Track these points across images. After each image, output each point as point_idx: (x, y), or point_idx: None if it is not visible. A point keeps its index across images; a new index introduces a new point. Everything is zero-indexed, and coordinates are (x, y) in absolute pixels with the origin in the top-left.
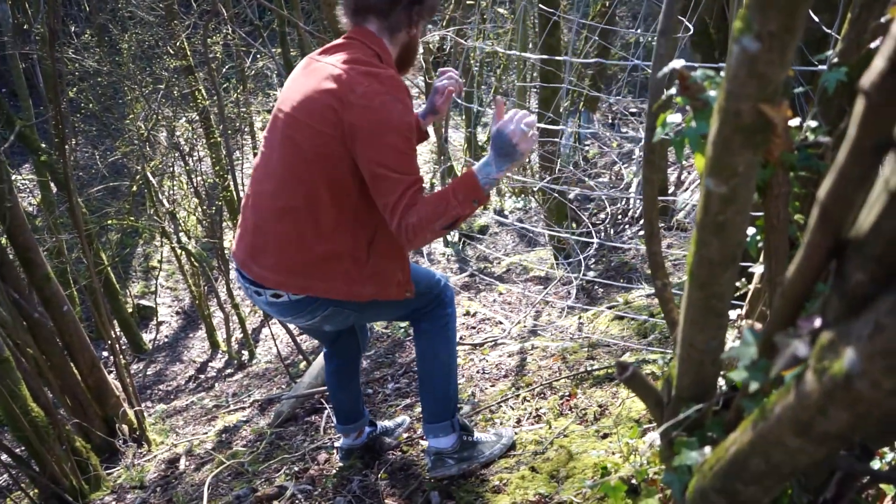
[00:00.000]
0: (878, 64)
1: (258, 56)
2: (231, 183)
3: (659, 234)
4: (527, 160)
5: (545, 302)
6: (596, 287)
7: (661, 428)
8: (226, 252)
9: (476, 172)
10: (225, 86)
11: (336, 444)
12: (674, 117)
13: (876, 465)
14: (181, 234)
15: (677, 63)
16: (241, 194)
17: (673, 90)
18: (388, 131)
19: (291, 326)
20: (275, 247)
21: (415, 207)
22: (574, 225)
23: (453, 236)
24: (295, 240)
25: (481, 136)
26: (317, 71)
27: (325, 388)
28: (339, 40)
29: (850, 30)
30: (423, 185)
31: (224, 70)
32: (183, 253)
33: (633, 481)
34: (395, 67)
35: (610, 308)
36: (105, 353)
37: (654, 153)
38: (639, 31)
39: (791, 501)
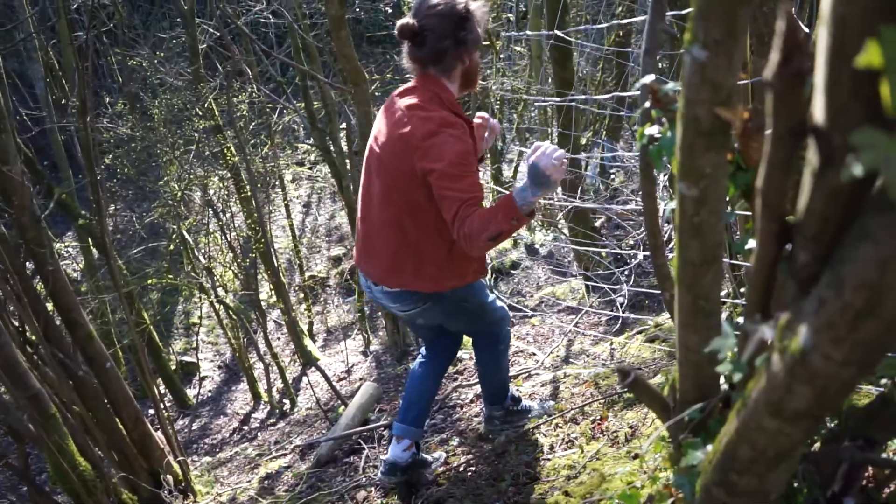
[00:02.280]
0: (774, 57)
1: (284, 111)
2: (263, 236)
3: (663, 246)
4: (558, 189)
5: (578, 331)
6: (626, 313)
7: (660, 429)
8: (262, 303)
9: (514, 196)
10: (253, 142)
11: (382, 458)
12: (651, 129)
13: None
14: (219, 288)
15: (647, 78)
16: (275, 247)
17: (647, 104)
18: (443, 161)
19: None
20: (378, 252)
21: (468, 219)
22: (602, 255)
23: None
24: (392, 248)
25: (507, 172)
26: (393, 114)
27: (363, 428)
28: (410, 84)
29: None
30: (480, 202)
31: (251, 126)
32: (221, 307)
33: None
34: (453, 103)
35: (641, 332)
36: (150, 411)
37: (650, 166)
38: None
39: (805, 499)
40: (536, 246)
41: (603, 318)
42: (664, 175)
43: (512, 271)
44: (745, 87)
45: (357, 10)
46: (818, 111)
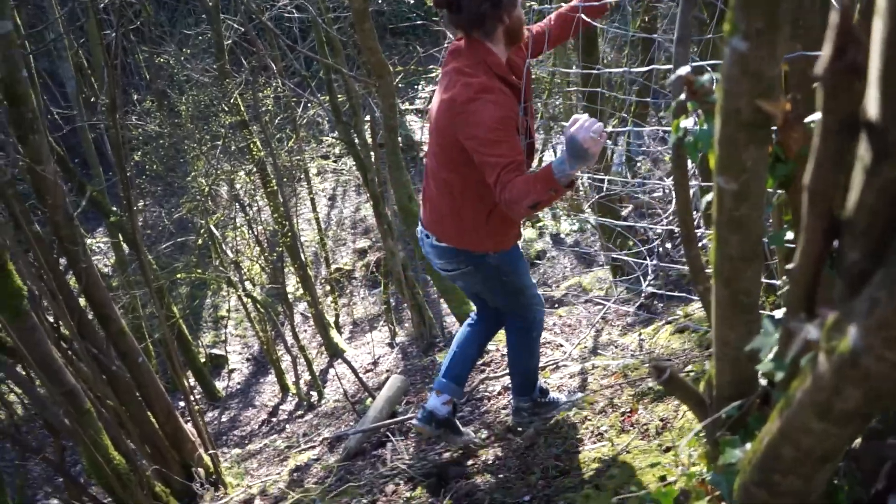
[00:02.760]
0: (826, 51)
1: (308, 105)
2: (290, 229)
3: (696, 238)
4: (596, 163)
5: (605, 321)
6: (655, 302)
7: (698, 427)
8: (289, 296)
9: (553, 168)
10: (278, 136)
11: (422, 404)
12: (687, 122)
13: None
14: (246, 282)
15: (683, 69)
16: (301, 240)
17: (683, 95)
18: (481, 127)
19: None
20: (432, 206)
21: (510, 184)
22: (630, 243)
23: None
24: (442, 204)
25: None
26: (445, 77)
27: (391, 420)
28: (455, 45)
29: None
30: (521, 165)
31: (277, 121)
32: (249, 301)
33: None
34: (499, 66)
35: (670, 322)
36: (181, 403)
37: (684, 157)
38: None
39: (847, 497)
40: (562, 235)
41: (631, 307)
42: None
43: (537, 261)
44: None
45: (380, 1)
46: (871, 105)
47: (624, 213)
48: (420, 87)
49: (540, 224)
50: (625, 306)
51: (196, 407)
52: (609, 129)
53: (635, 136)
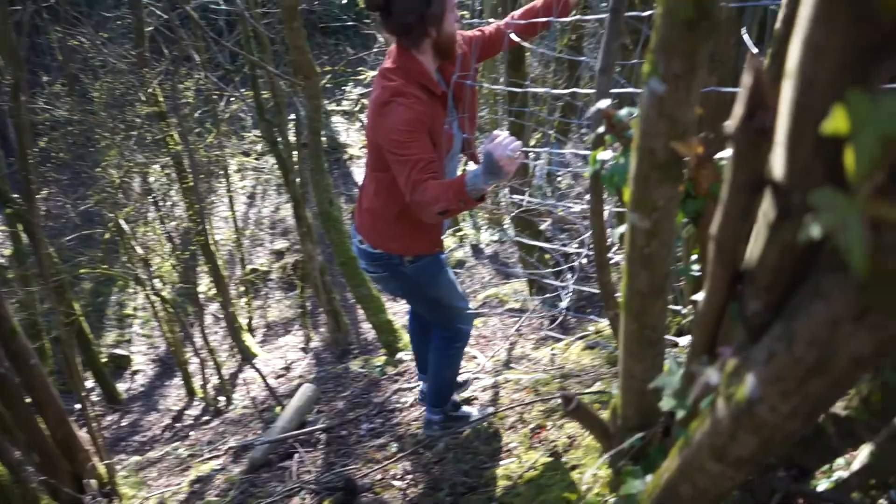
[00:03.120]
0: (738, 110)
1: (231, 100)
2: (203, 228)
3: (609, 265)
4: (509, 180)
5: (520, 334)
6: (569, 318)
7: (602, 459)
8: (200, 296)
9: (466, 180)
10: (197, 130)
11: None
12: (604, 154)
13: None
14: (155, 280)
15: (603, 103)
16: (216, 238)
17: (602, 128)
18: (391, 128)
19: None
20: (358, 206)
21: (421, 186)
22: (547, 256)
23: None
24: (363, 203)
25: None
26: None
27: (299, 431)
28: (391, 47)
29: (772, 63)
30: (431, 165)
31: (197, 114)
32: (157, 299)
33: None
34: (422, 75)
35: (581, 338)
36: (78, 405)
37: (600, 185)
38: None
39: None
40: (482, 245)
41: (545, 320)
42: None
43: (457, 270)
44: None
45: (314, 2)
46: (778, 167)
47: (543, 226)
48: (348, 89)
49: (461, 233)
50: (539, 320)
51: (93, 413)
52: (532, 143)
53: (557, 150)
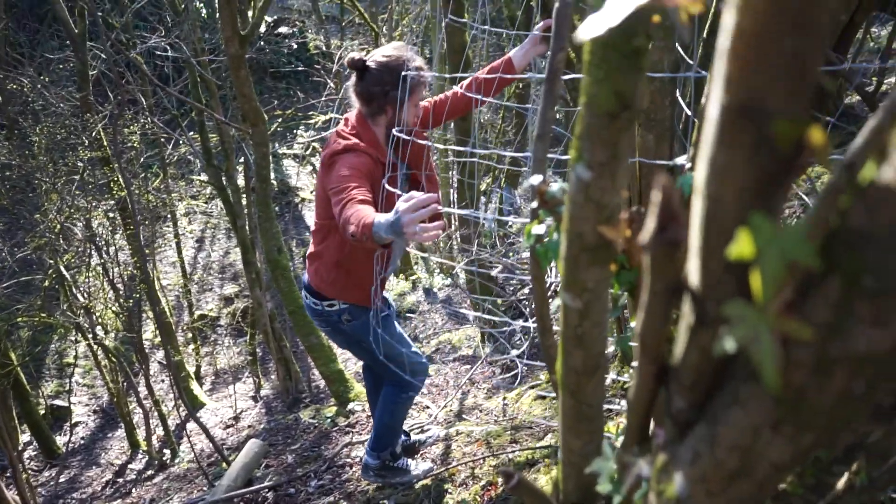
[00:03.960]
0: (650, 224)
1: (180, 143)
2: (145, 276)
3: (551, 329)
4: (427, 242)
5: (472, 383)
6: (520, 366)
7: None
8: (146, 344)
9: (374, 222)
10: (143, 175)
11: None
12: (538, 228)
13: None
14: (97, 328)
15: (535, 179)
16: (163, 283)
17: (535, 203)
18: (337, 171)
19: None
20: (308, 257)
21: (349, 204)
22: (498, 303)
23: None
24: (311, 252)
25: None
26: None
27: (245, 490)
28: (353, 111)
29: (700, 137)
30: (363, 197)
31: (143, 158)
32: (99, 348)
33: None
34: (372, 143)
35: (533, 387)
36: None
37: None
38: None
39: None
40: (435, 290)
41: (497, 368)
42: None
43: (409, 314)
44: (633, 166)
45: (264, 48)
46: (693, 275)
47: (494, 272)
48: (299, 132)
49: (414, 277)
50: (490, 368)
51: (27, 470)
52: (482, 187)
53: (507, 193)
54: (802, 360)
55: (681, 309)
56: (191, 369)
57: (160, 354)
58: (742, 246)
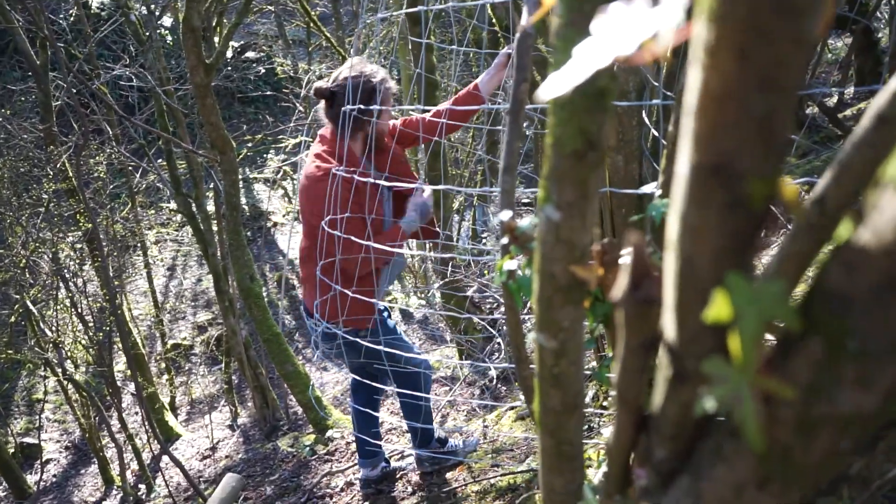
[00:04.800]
0: (623, 280)
1: (148, 171)
2: (114, 308)
3: (527, 359)
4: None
5: (451, 405)
6: (499, 386)
7: None
8: (118, 377)
9: (404, 230)
10: (110, 206)
11: (357, 476)
12: (510, 264)
13: None
14: (67, 362)
15: (505, 215)
16: (134, 314)
17: (505, 239)
18: (305, 196)
19: None
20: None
21: (378, 238)
22: (474, 321)
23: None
24: (304, 274)
25: None
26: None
27: None
28: (325, 131)
29: (668, 165)
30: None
31: (110, 188)
32: (70, 383)
33: None
34: (352, 159)
35: (513, 408)
36: None
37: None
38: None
39: None
40: (411, 310)
41: (476, 388)
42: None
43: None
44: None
45: (231, 73)
46: (669, 331)
47: (470, 292)
48: (270, 156)
49: (390, 298)
50: (469, 390)
51: None
52: (455, 206)
53: (480, 212)
54: (786, 420)
55: (658, 360)
56: (165, 400)
57: (133, 386)
58: (719, 308)
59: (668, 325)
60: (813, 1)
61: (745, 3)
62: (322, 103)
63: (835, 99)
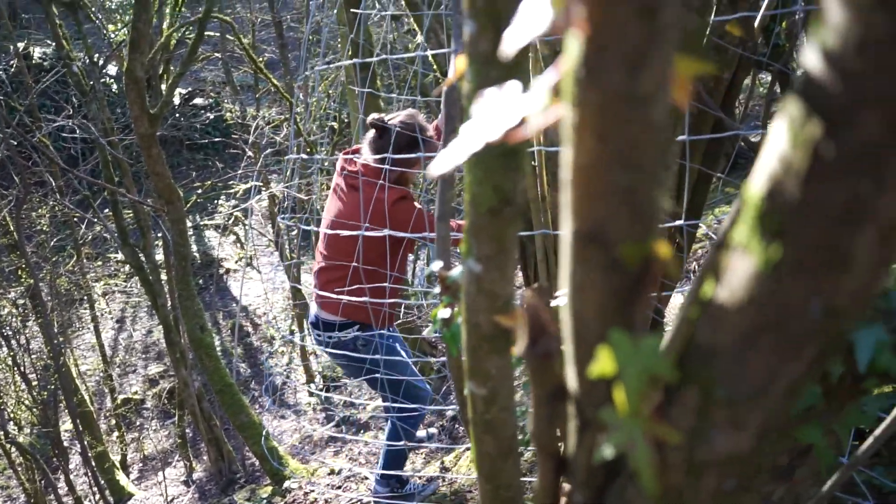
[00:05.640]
0: (521, 340)
1: (94, 221)
2: (57, 367)
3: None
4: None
5: (409, 447)
6: (457, 426)
7: None
8: (65, 436)
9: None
10: (54, 259)
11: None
12: (444, 313)
13: None
14: (9, 425)
15: (437, 265)
16: (83, 369)
17: (437, 290)
18: (410, 220)
19: None
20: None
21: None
22: (431, 362)
23: (318, 384)
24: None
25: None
26: (350, 180)
27: None
28: (352, 158)
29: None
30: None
31: (53, 242)
32: (13, 447)
33: None
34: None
35: (468, 449)
36: None
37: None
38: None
39: None
40: None
41: (433, 431)
42: None
43: (344, 380)
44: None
45: (179, 120)
46: (571, 382)
47: (425, 332)
48: (221, 202)
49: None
50: (427, 431)
51: None
52: (416, 246)
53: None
54: (676, 463)
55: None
56: (116, 458)
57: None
58: (602, 364)
59: (570, 376)
60: (658, 92)
61: (599, 92)
62: (372, 132)
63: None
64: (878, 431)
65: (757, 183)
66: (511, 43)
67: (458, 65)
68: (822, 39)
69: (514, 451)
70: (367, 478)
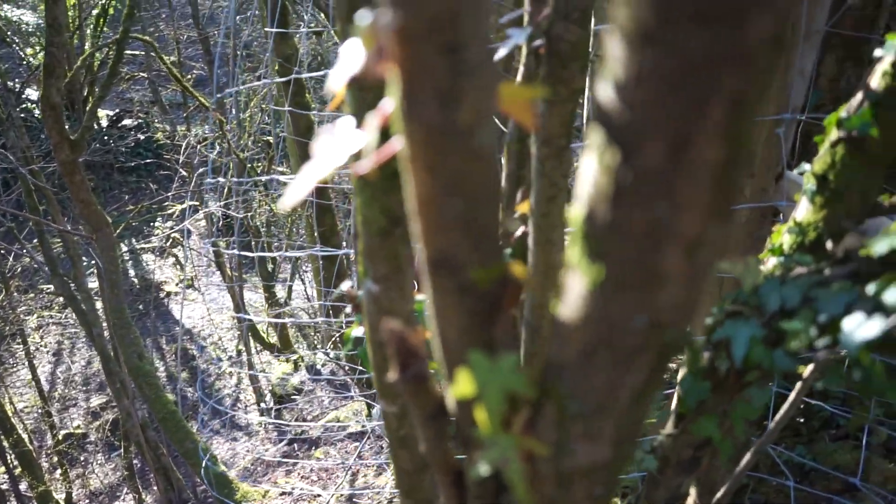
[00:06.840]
0: (391, 373)
1: (22, 253)
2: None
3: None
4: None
5: (361, 459)
6: None
7: None
8: (0, 482)
9: None
10: None
11: None
12: (357, 331)
13: None
14: None
15: (345, 284)
16: (17, 408)
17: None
18: None
19: None
20: None
21: None
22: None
23: (267, 402)
24: None
25: (281, 293)
26: None
27: None
28: None
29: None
30: None
31: None
32: None
33: None
34: None
35: None
36: None
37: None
38: None
39: None
40: (319, 366)
41: (384, 443)
42: None
43: (295, 397)
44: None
45: (108, 143)
46: (449, 401)
47: (342, 353)
48: (157, 224)
49: (294, 357)
50: (378, 443)
51: None
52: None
53: None
54: (548, 475)
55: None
56: (60, 497)
57: (22, 486)
58: (462, 386)
59: (447, 395)
60: (478, 123)
61: (420, 126)
62: None
63: None
64: (779, 414)
65: (578, 205)
66: (334, 83)
67: (336, 89)
68: (611, 70)
69: (428, 466)
70: (319, 495)
